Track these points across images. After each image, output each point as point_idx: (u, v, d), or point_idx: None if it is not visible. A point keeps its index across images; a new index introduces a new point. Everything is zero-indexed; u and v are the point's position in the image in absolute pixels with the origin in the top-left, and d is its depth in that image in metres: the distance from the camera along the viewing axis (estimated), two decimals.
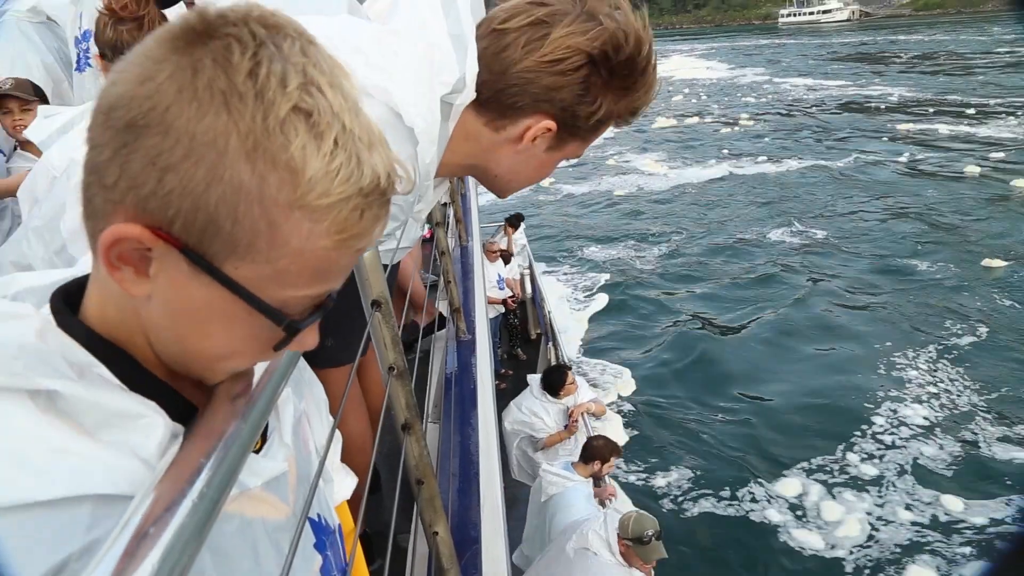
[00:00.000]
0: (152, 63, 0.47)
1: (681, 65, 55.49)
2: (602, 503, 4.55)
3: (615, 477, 5.32)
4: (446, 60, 0.99)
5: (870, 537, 6.31)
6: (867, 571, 6.01)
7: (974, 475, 7.01)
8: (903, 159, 21.00)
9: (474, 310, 3.49)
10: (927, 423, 7.88)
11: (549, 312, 8.52)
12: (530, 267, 9.52)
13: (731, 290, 12.64)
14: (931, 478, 6.98)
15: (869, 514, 6.57)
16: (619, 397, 9.23)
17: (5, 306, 0.54)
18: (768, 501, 6.97)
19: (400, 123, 0.95)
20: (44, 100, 2.74)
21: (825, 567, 6.11)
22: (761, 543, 6.45)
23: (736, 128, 28.42)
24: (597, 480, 4.67)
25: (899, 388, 8.63)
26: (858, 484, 7.01)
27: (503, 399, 5.47)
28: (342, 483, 1.04)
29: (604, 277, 13.64)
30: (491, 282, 7.54)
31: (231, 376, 0.59)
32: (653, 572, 3.80)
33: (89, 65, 2.72)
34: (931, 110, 28.20)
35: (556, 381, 5.52)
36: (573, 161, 1.16)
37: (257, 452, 0.64)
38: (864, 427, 7.94)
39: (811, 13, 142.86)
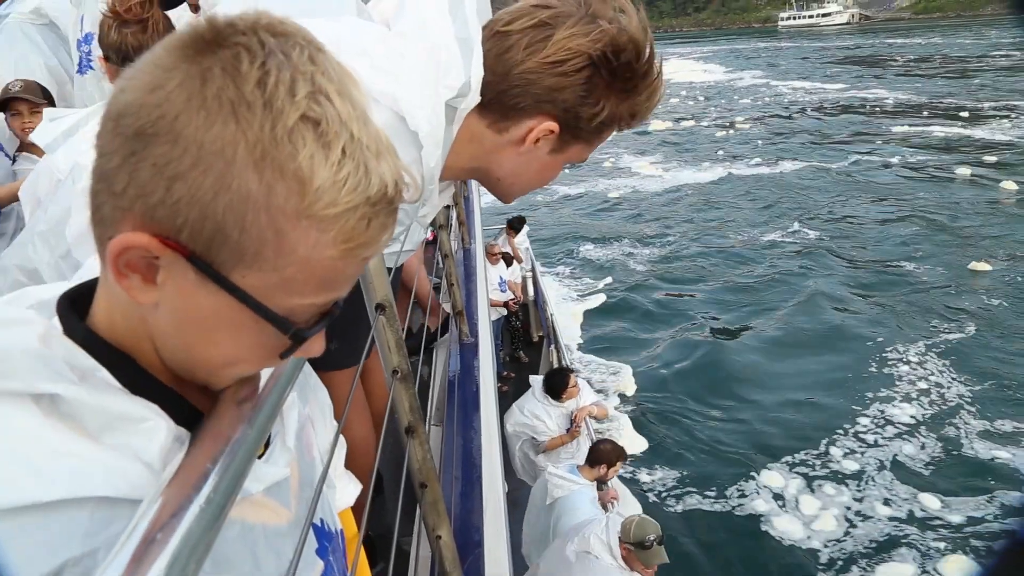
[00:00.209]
0: (161, 71, 0.47)
1: (679, 68, 55.68)
2: (604, 506, 4.55)
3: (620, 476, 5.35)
4: (452, 64, 0.99)
5: (846, 531, 6.45)
6: (841, 562, 6.13)
7: (954, 473, 7.13)
8: (897, 162, 21.26)
9: (477, 313, 3.49)
10: (912, 421, 8.03)
11: (551, 315, 8.51)
12: (532, 270, 9.52)
13: (725, 290, 12.84)
14: (910, 475, 7.12)
15: (848, 508, 6.71)
16: (620, 398, 9.31)
17: (9, 312, 0.54)
18: (757, 494, 7.10)
19: (404, 127, 0.95)
20: (51, 103, 2.74)
21: (804, 558, 6.23)
22: (748, 537, 6.58)
23: (732, 131, 28.59)
24: (601, 483, 4.67)
25: (887, 386, 8.81)
26: (839, 478, 7.16)
27: (505, 401, 5.46)
28: (345, 490, 1.04)
29: (600, 278, 13.87)
30: (493, 285, 7.54)
31: (237, 381, 0.59)
32: None
33: (91, 67, 2.73)
34: (926, 113, 28.52)
35: (558, 384, 5.51)
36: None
37: (259, 457, 0.64)
38: (850, 425, 8.10)
39: (811, 16, 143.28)
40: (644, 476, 7.60)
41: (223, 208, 0.47)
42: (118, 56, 1.82)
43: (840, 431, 8.00)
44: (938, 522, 6.54)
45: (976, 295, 11.38)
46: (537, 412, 5.46)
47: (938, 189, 18.00)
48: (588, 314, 12.14)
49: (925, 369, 9.21)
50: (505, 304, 8.02)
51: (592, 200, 20.14)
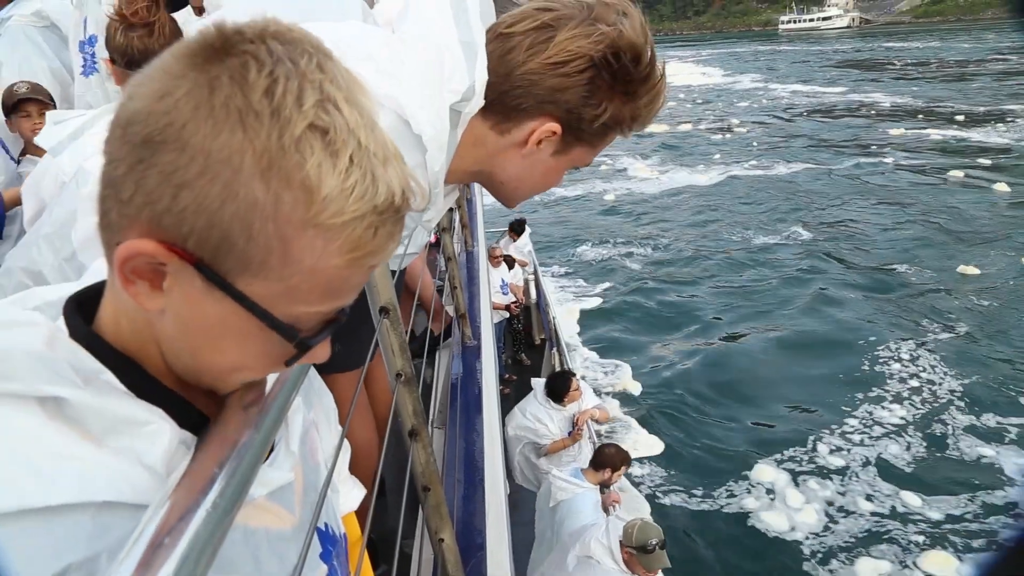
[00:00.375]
0: (170, 79, 0.47)
1: (677, 71, 55.88)
2: (606, 509, 4.55)
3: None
4: (456, 68, 0.99)
5: (827, 526, 6.64)
6: (822, 556, 6.29)
7: (937, 472, 7.29)
8: (891, 165, 21.47)
9: (479, 315, 3.49)
10: (901, 421, 8.21)
11: (554, 317, 8.51)
12: (535, 272, 9.52)
13: (720, 292, 13.05)
14: (894, 473, 7.28)
15: (831, 504, 6.91)
16: (623, 399, 9.40)
17: (14, 314, 0.54)
18: (747, 492, 7.28)
19: (409, 131, 0.95)
20: (53, 104, 2.75)
21: (788, 552, 6.41)
22: (735, 531, 6.76)
23: (729, 134, 28.73)
24: (603, 487, 4.67)
25: (878, 386, 9.03)
26: (825, 473, 7.36)
27: (507, 404, 5.45)
28: (349, 494, 1.04)
29: (596, 279, 14.06)
30: (495, 287, 7.54)
31: (243, 385, 0.59)
32: None
33: (96, 70, 2.73)
34: (922, 117, 28.75)
35: (560, 388, 5.50)
36: None
37: (264, 461, 0.64)
38: (838, 425, 8.29)
39: (811, 20, 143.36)
40: (635, 470, 7.73)
41: (230, 216, 0.47)
42: (123, 59, 1.83)
43: (827, 430, 8.17)
44: (918, 518, 6.68)
45: (965, 297, 11.59)
46: (539, 415, 5.45)
47: (932, 192, 18.23)
48: (585, 314, 12.30)
49: (916, 366, 9.40)
50: (507, 307, 8.01)
51: (589, 202, 20.27)
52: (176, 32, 1.86)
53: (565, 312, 11.81)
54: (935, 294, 11.91)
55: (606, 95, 0.98)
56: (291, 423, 0.70)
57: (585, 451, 5.60)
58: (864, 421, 8.31)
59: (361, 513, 1.36)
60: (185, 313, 0.51)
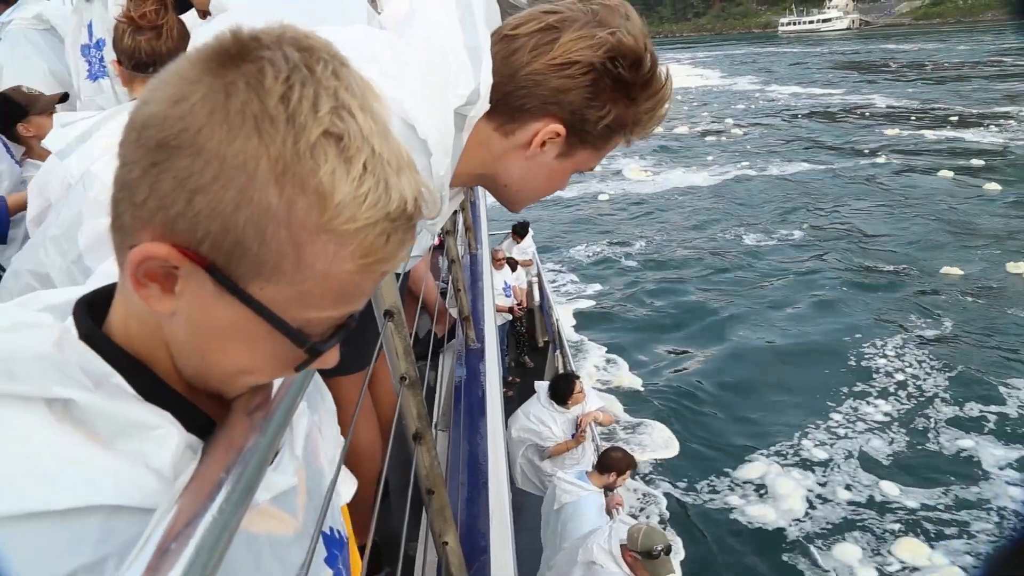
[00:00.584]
0: (186, 84, 0.47)
1: (675, 73, 54.70)
2: (609, 512, 4.54)
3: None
4: (461, 71, 0.99)
5: (808, 515, 6.90)
6: (802, 542, 6.57)
7: (917, 463, 7.57)
8: (885, 166, 21.72)
9: (483, 318, 3.49)
10: (885, 417, 8.48)
11: (557, 320, 8.51)
12: (538, 275, 9.52)
13: (711, 290, 13.35)
14: (874, 464, 7.55)
15: (810, 491, 7.19)
16: (626, 397, 9.56)
17: (24, 316, 0.54)
18: (732, 487, 7.53)
19: (414, 135, 0.94)
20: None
21: (769, 540, 6.68)
22: (722, 523, 7.00)
23: (725, 136, 28.87)
24: (607, 490, 4.67)
25: (860, 378, 9.36)
26: (808, 465, 7.64)
27: (510, 407, 5.45)
28: (342, 487, 1.03)
29: (590, 278, 14.38)
30: (497, 290, 7.54)
31: (249, 389, 0.59)
32: None
33: (105, 73, 2.74)
34: (917, 118, 29.01)
35: (564, 390, 5.50)
36: None
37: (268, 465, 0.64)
38: (822, 420, 8.56)
39: (811, 22, 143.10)
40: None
41: (244, 221, 0.47)
42: (131, 61, 1.83)
43: (815, 425, 8.41)
44: (896, 506, 6.93)
45: (951, 296, 11.95)
46: (543, 417, 5.45)
47: (923, 192, 18.54)
48: (579, 314, 12.50)
49: (902, 362, 9.70)
50: (510, 310, 8.01)
51: (584, 202, 20.44)
52: (184, 35, 1.86)
53: (559, 312, 11.91)
54: (922, 293, 12.23)
55: (609, 97, 0.98)
56: (296, 427, 0.70)
57: (588, 453, 5.59)
58: (848, 416, 8.55)
59: (365, 516, 1.36)
60: (196, 316, 0.51)
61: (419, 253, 1.35)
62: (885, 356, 9.90)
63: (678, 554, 6.21)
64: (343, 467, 1.00)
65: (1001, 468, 7.38)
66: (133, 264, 0.48)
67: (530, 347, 8.99)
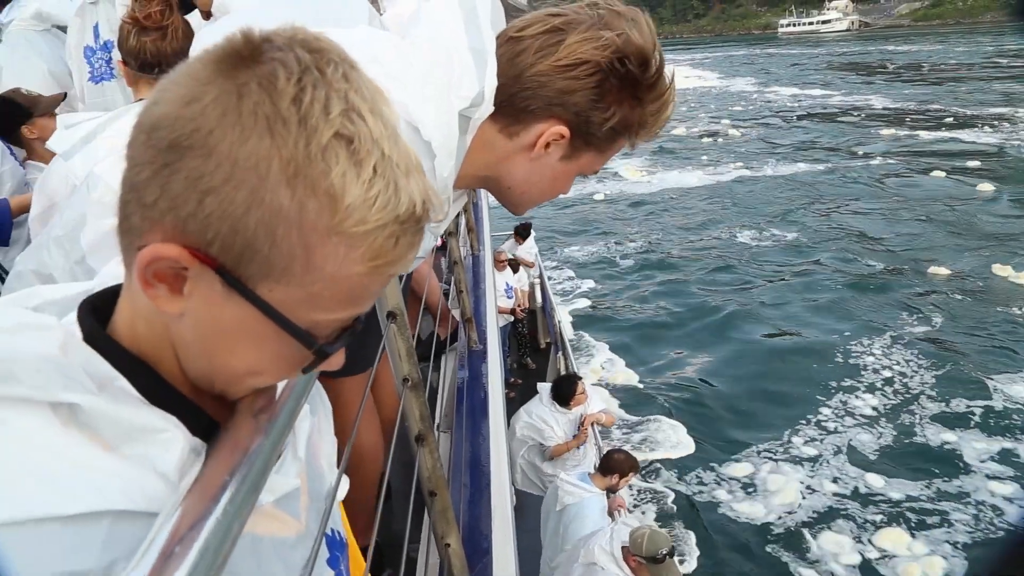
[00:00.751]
0: (197, 85, 0.47)
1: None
2: (610, 514, 4.54)
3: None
4: (465, 73, 0.98)
5: (798, 505, 7.16)
6: (789, 533, 6.82)
7: (901, 456, 7.84)
8: (879, 167, 21.90)
9: (485, 319, 3.49)
10: (870, 409, 8.78)
11: (559, 321, 8.51)
12: (540, 276, 9.51)
13: (703, 288, 13.58)
14: (861, 459, 7.81)
15: (800, 482, 7.45)
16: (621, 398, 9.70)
17: (29, 318, 0.54)
18: (719, 481, 7.75)
19: (418, 137, 0.94)
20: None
21: (755, 532, 6.90)
22: (708, 515, 7.26)
23: (720, 137, 29.01)
24: (609, 491, 4.67)
25: (849, 375, 9.64)
26: (797, 460, 7.91)
27: (512, 408, 5.46)
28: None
29: (584, 275, 14.64)
30: (499, 291, 7.53)
31: (253, 392, 0.59)
32: None
33: (113, 75, 2.74)
34: (913, 119, 29.20)
35: (566, 391, 5.50)
36: None
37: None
38: (812, 415, 8.83)
39: (810, 23, 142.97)
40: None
41: (254, 223, 0.47)
42: (136, 62, 1.84)
43: (804, 421, 8.66)
44: (879, 498, 7.17)
45: (939, 295, 12.24)
46: (545, 417, 5.46)
47: (916, 193, 18.74)
48: (575, 313, 12.68)
49: (890, 359, 9.99)
50: (512, 312, 7.99)
51: (579, 202, 20.56)
52: (189, 35, 1.87)
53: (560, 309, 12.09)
54: (911, 292, 12.50)
55: (615, 99, 0.98)
56: (298, 429, 0.70)
57: (590, 455, 5.59)
58: (837, 411, 8.83)
59: (367, 517, 1.36)
60: (204, 317, 0.51)
61: (422, 255, 1.35)
62: (872, 354, 10.15)
63: (692, 554, 6.47)
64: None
65: (982, 461, 7.61)
66: (142, 264, 0.48)
67: (532, 348, 8.99)
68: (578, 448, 5.47)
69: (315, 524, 0.71)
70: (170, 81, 0.49)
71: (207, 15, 2.33)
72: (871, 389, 9.22)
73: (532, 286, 9.22)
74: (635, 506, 7.12)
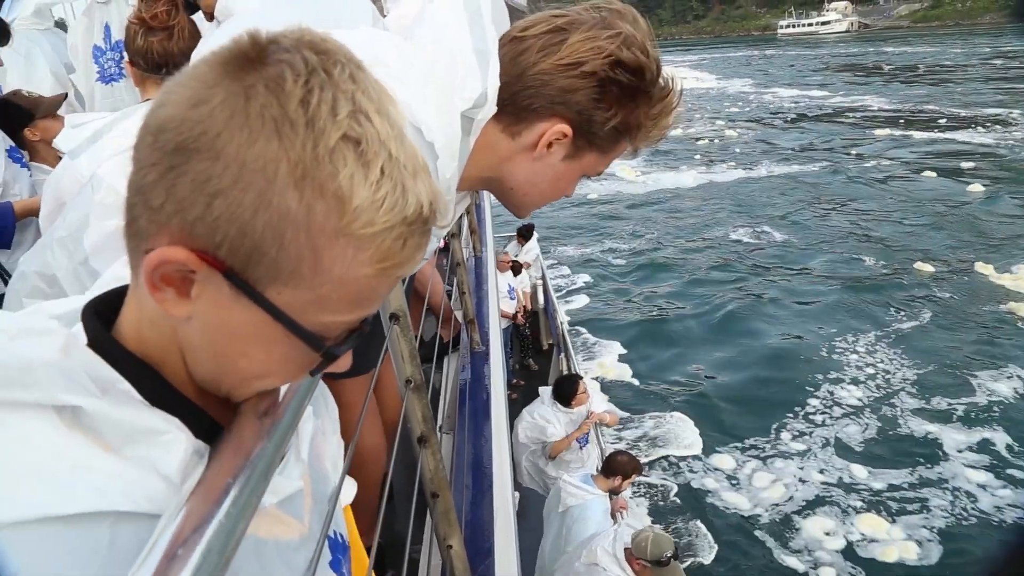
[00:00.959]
0: (204, 87, 0.47)
1: None
2: (613, 515, 4.54)
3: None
4: (469, 74, 0.98)
5: (787, 499, 7.49)
6: (775, 522, 7.16)
7: (885, 447, 8.20)
8: (872, 167, 22.03)
9: (488, 321, 3.49)
10: (856, 402, 9.13)
11: (562, 323, 8.49)
12: (543, 278, 9.50)
13: (696, 286, 13.87)
14: (848, 451, 8.18)
15: (789, 482, 7.73)
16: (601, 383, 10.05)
17: (30, 322, 0.53)
18: (706, 471, 8.05)
19: (421, 138, 0.94)
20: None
21: (744, 520, 7.23)
22: (697, 505, 7.54)
23: (717, 139, 29.11)
24: (613, 493, 4.67)
25: (837, 370, 9.98)
26: (785, 455, 8.21)
27: (514, 410, 5.45)
28: (345, 489, 1.03)
29: (579, 275, 14.85)
30: (502, 293, 7.51)
31: (257, 393, 0.59)
32: None
33: (123, 75, 2.75)
34: (907, 120, 29.38)
35: (568, 391, 5.51)
36: None
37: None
38: (800, 407, 9.16)
39: (810, 24, 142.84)
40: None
41: (262, 225, 0.47)
42: (144, 62, 1.85)
43: (791, 414, 9.00)
44: (862, 487, 7.53)
45: (921, 291, 12.54)
46: (547, 416, 5.47)
47: (907, 192, 18.94)
48: (570, 312, 12.75)
49: (873, 357, 10.31)
50: (513, 317, 7.93)
51: (575, 202, 20.75)
52: (195, 35, 1.87)
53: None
54: (895, 287, 12.84)
55: (616, 99, 0.97)
56: (301, 431, 0.70)
57: (593, 457, 5.59)
58: (825, 404, 9.18)
59: (370, 519, 1.36)
60: (212, 320, 0.51)
61: (426, 256, 1.35)
62: (856, 352, 10.49)
63: (700, 548, 6.73)
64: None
65: (960, 451, 7.97)
66: (149, 268, 0.48)
67: (534, 350, 8.97)
68: (580, 449, 5.47)
69: (318, 526, 0.71)
70: (176, 83, 0.49)
71: (210, 17, 2.33)
72: (855, 382, 9.61)
73: (534, 287, 9.20)
74: (632, 496, 7.29)
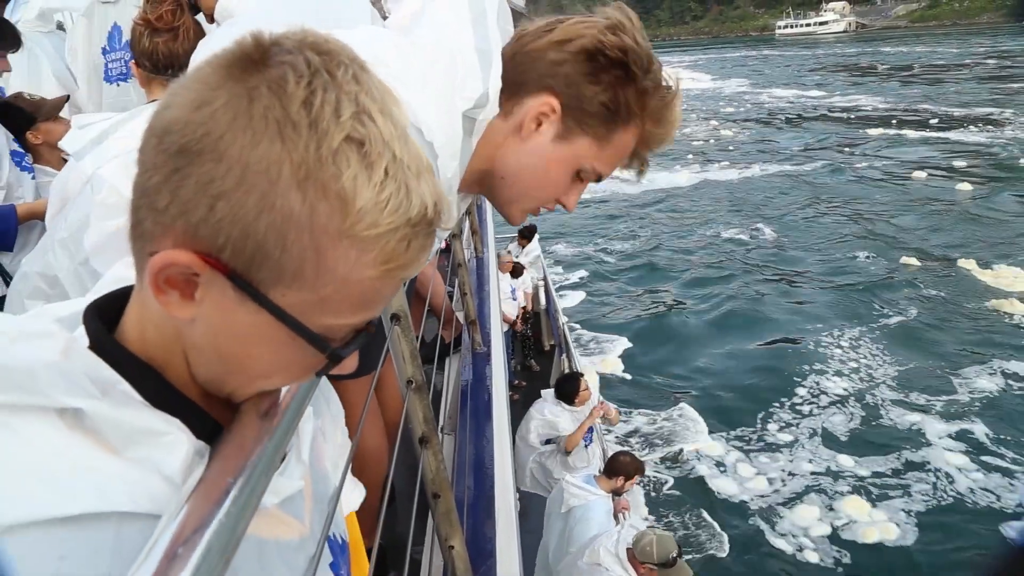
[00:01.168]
0: (207, 89, 0.47)
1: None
2: (615, 516, 4.54)
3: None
4: (469, 74, 0.98)
5: (773, 490, 7.75)
6: (764, 510, 7.41)
7: (869, 437, 8.49)
8: (863, 166, 22.23)
9: (489, 322, 3.49)
10: (842, 393, 9.47)
11: (564, 324, 8.48)
12: (544, 278, 9.49)
13: (689, 283, 14.11)
14: (833, 441, 8.49)
15: (777, 472, 8.03)
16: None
17: (30, 325, 0.53)
18: (698, 460, 8.34)
19: (420, 137, 0.94)
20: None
21: (736, 509, 7.49)
22: (691, 495, 7.79)
23: (711, 139, 29.21)
24: (615, 494, 4.66)
25: (824, 364, 10.30)
26: (773, 448, 8.50)
27: (516, 410, 5.46)
28: (350, 495, 1.03)
29: (574, 274, 15.09)
30: (505, 295, 7.49)
31: (257, 393, 0.59)
32: None
33: (132, 76, 2.76)
34: (900, 119, 29.54)
35: (570, 389, 5.52)
36: None
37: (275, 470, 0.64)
38: (787, 398, 9.49)
39: (808, 25, 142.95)
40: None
41: (265, 227, 0.47)
42: (149, 63, 1.85)
43: (778, 404, 9.37)
44: (848, 474, 7.83)
45: (908, 286, 12.79)
46: (556, 413, 5.50)
47: (897, 192, 19.13)
48: (565, 311, 12.86)
49: (857, 352, 10.62)
50: (512, 324, 7.88)
51: None
52: (200, 36, 1.87)
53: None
54: (882, 282, 13.10)
55: (604, 70, 0.97)
56: (302, 431, 0.70)
57: (596, 458, 5.60)
58: (812, 391, 9.58)
59: (371, 519, 1.36)
60: (217, 322, 0.51)
61: (427, 256, 1.35)
62: (840, 347, 10.85)
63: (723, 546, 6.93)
64: (352, 476, 1.00)
65: (940, 438, 8.31)
66: (154, 271, 0.48)
67: (536, 351, 8.97)
68: (585, 447, 5.48)
69: (319, 527, 0.71)
70: (180, 85, 0.49)
71: (210, 19, 2.34)
72: (839, 374, 9.98)
73: (536, 288, 9.19)
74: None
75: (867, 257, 14.47)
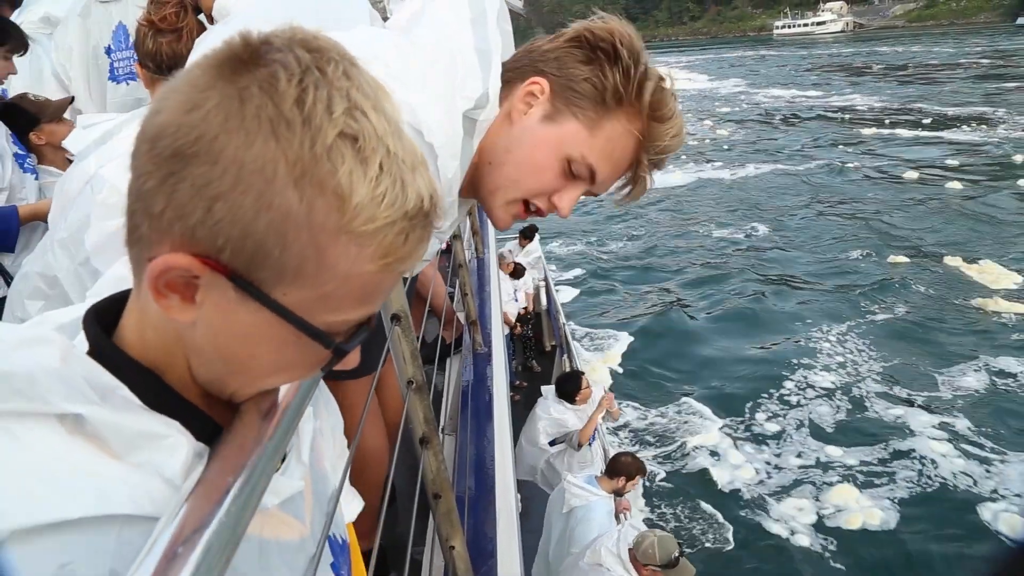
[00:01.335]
0: (198, 91, 0.47)
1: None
2: (617, 516, 4.54)
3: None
4: (470, 74, 0.98)
5: (763, 480, 7.99)
6: (754, 501, 7.62)
7: (856, 429, 8.78)
8: (856, 165, 22.33)
9: (490, 322, 3.49)
10: (830, 386, 9.76)
11: (564, 324, 8.48)
12: (545, 279, 9.47)
13: (684, 282, 14.32)
14: (821, 432, 8.77)
15: (768, 463, 8.26)
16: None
17: (29, 332, 0.53)
18: (696, 451, 8.57)
19: (420, 138, 0.94)
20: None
21: (729, 499, 7.69)
22: (687, 485, 8.00)
23: (708, 139, 29.31)
24: (616, 494, 4.66)
25: (811, 358, 10.64)
26: (761, 439, 8.76)
27: (517, 411, 5.46)
28: (349, 506, 1.02)
29: (569, 273, 15.27)
30: (507, 295, 7.48)
31: (257, 393, 0.59)
32: None
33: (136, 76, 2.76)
34: (893, 118, 29.76)
35: (571, 388, 5.53)
36: None
37: (276, 471, 0.64)
38: (776, 390, 9.81)
39: (805, 25, 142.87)
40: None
41: (264, 227, 0.47)
42: (153, 64, 1.85)
43: (767, 395, 9.68)
44: (836, 464, 8.09)
45: (896, 283, 13.01)
46: (561, 410, 5.51)
47: (888, 191, 19.30)
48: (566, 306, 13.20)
49: (845, 348, 10.91)
50: (511, 328, 7.86)
51: None
52: None
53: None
54: (870, 280, 13.29)
55: (592, 51, 0.98)
56: (302, 432, 0.70)
57: (598, 458, 5.59)
58: (800, 384, 9.89)
59: (372, 520, 1.36)
60: (218, 324, 0.51)
61: (427, 257, 1.35)
62: (828, 341, 11.17)
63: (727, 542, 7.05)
64: (350, 487, 0.99)
65: (924, 428, 8.60)
66: (153, 276, 0.48)
67: (537, 351, 8.96)
68: (589, 446, 5.48)
69: (319, 527, 0.71)
70: (170, 88, 0.49)
71: (210, 18, 2.34)
72: (827, 368, 10.30)
73: (537, 289, 9.18)
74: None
75: (859, 255, 14.70)
